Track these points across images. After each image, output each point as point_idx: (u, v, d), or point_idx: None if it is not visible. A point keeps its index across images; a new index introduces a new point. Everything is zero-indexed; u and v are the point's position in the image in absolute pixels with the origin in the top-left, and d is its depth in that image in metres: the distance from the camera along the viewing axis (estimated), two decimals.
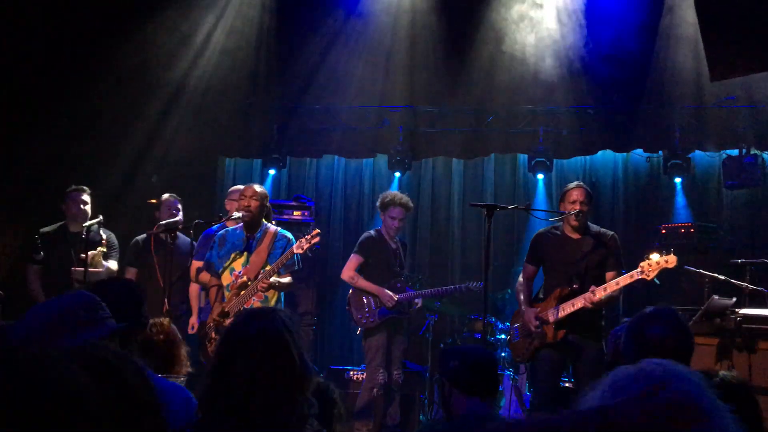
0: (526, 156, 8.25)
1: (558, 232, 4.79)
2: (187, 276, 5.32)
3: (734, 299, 4.14)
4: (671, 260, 4.23)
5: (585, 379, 4.39)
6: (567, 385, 5.59)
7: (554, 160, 8.10)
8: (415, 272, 8.01)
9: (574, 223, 4.69)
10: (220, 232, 5.03)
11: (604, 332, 4.56)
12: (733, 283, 4.98)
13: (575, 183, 4.86)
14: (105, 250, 5.55)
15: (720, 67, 4.69)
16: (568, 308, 4.56)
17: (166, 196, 5.81)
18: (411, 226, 8.74)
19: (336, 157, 8.74)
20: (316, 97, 8.18)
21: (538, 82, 7.71)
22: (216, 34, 7.89)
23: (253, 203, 4.81)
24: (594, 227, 4.78)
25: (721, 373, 2.71)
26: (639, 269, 4.29)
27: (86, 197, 5.75)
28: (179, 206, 5.71)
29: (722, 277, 5.06)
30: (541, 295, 4.89)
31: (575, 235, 4.72)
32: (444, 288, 5.85)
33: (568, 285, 4.62)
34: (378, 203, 5.65)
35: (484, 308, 4.43)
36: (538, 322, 4.63)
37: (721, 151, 7.78)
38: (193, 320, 5.36)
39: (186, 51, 7.77)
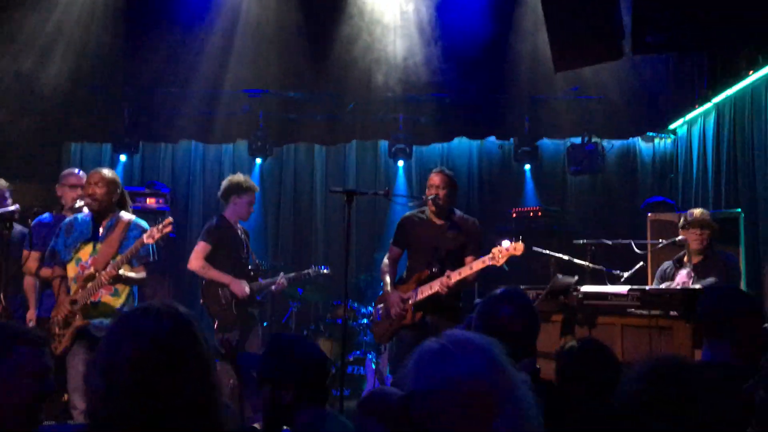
0: (386, 143, 8.38)
1: (423, 216, 4.89)
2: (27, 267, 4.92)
3: (576, 277, 4.41)
4: (519, 247, 4.44)
5: None
6: None
7: (413, 147, 8.29)
8: (278, 260, 7.95)
9: (431, 207, 4.82)
10: (67, 219, 4.68)
11: (463, 314, 4.72)
12: (575, 262, 5.32)
13: (436, 169, 4.99)
14: None
15: (563, 58, 4.98)
16: (426, 291, 4.69)
17: None
18: (274, 212, 8.63)
19: (193, 142, 8.45)
20: (172, 81, 7.83)
21: (397, 70, 7.83)
22: (63, 14, 7.32)
23: (99, 190, 4.50)
24: (458, 213, 4.92)
25: (571, 343, 2.89)
26: (490, 255, 4.48)
27: None
28: (7, 194, 5.21)
29: (566, 257, 5.39)
30: (405, 277, 5.00)
31: (438, 220, 4.84)
32: (291, 275, 5.69)
33: (428, 268, 4.74)
34: (229, 187, 5.30)
35: (344, 293, 4.44)
36: (402, 304, 4.72)
37: (566, 139, 8.30)
38: (31, 314, 4.96)
39: (32, 33, 7.16)
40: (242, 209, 5.26)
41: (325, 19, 7.79)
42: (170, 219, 4.53)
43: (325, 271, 5.87)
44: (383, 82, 7.91)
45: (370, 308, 7.09)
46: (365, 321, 6.93)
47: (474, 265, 4.54)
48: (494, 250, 4.47)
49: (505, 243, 4.44)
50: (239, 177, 5.37)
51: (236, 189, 5.26)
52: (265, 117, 8.04)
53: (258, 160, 8.33)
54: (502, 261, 4.45)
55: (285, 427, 2.44)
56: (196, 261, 5.14)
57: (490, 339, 1.40)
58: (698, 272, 5.02)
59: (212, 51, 7.77)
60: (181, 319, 1.57)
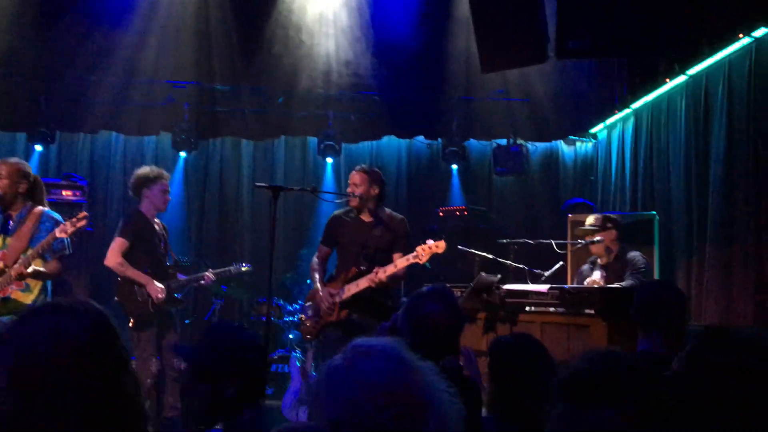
0: (315, 139, 8.32)
1: (352, 215, 4.88)
2: None
3: (499, 276, 4.49)
4: (441, 245, 4.50)
5: None
6: None
7: (342, 144, 8.26)
8: (202, 256, 7.76)
9: (353, 205, 4.82)
10: None
11: (390, 312, 4.73)
12: (499, 261, 5.43)
13: (357, 167, 4.98)
14: None
15: (490, 60, 5.07)
16: (352, 289, 4.69)
17: None
18: (198, 208, 8.43)
19: (114, 133, 8.16)
20: (91, 69, 7.53)
21: (328, 67, 7.79)
22: None
23: (3, 182, 4.28)
24: (387, 211, 4.91)
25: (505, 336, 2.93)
26: (414, 253, 4.52)
27: None
28: None
29: (490, 256, 5.48)
30: (334, 275, 4.99)
31: (367, 218, 4.83)
32: (217, 271, 5.56)
33: (355, 266, 4.74)
34: (137, 181, 5.08)
35: (268, 290, 4.39)
36: (331, 298, 4.71)
37: (492, 140, 8.45)
38: None
39: None
40: (157, 199, 5.04)
41: (256, 12, 7.67)
42: (85, 213, 4.35)
43: (245, 268, 5.74)
44: (313, 78, 7.85)
45: (295, 305, 7.03)
46: (290, 318, 6.86)
47: (399, 263, 4.56)
48: (418, 248, 4.51)
49: (429, 241, 4.49)
50: (145, 169, 5.16)
51: (144, 181, 5.04)
52: (191, 109, 7.83)
53: (182, 154, 8.11)
54: (425, 259, 4.48)
55: (217, 426, 2.34)
56: (113, 257, 4.90)
57: (393, 339, 1.38)
58: (608, 272, 5.23)
59: (134, 39, 7.53)
60: (99, 316, 1.50)
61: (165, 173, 5.15)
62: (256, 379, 2.31)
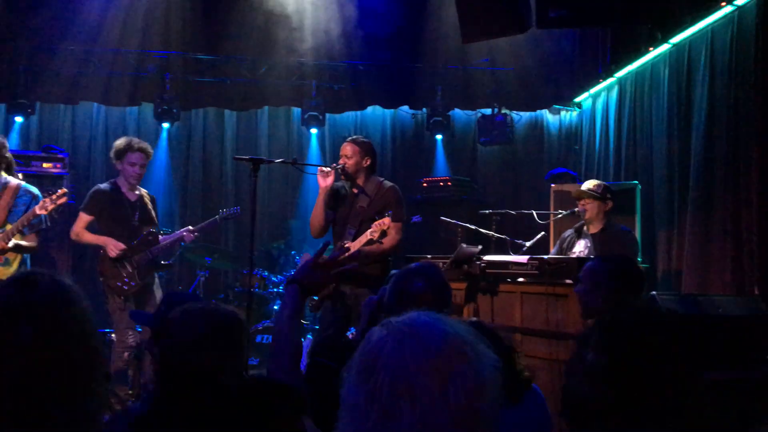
0: (299, 110, 8.26)
1: (347, 187, 4.87)
2: None
3: (480, 247, 4.50)
4: (386, 222, 4.53)
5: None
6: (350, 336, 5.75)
7: (327, 115, 8.21)
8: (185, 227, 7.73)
9: (342, 177, 4.80)
10: None
11: (380, 282, 4.74)
12: (481, 232, 5.45)
13: (349, 138, 4.97)
14: None
15: (471, 29, 5.02)
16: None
17: None
18: (181, 180, 8.39)
19: (95, 104, 8.06)
20: (72, 38, 7.41)
21: (311, 36, 7.70)
22: None
23: None
24: (378, 180, 4.87)
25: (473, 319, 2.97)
26: (372, 228, 4.54)
27: None
28: None
29: (473, 227, 5.50)
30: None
31: (354, 190, 4.83)
32: (199, 225, 5.59)
33: (342, 240, 4.75)
34: (112, 153, 5.15)
35: (250, 261, 4.40)
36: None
37: (476, 110, 8.42)
38: None
39: None
40: (126, 172, 5.08)
41: None
42: (65, 189, 4.37)
43: (234, 212, 5.78)
44: (297, 48, 7.77)
45: (280, 276, 7.04)
46: (276, 290, 6.88)
47: (362, 238, 4.57)
48: (373, 224, 4.53)
49: (379, 216, 4.53)
50: (119, 140, 5.19)
51: (116, 154, 5.10)
52: (172, 80, 7.74)
53: (165, 125, 8.04)
54: (376, 235, 4.50)
55: None
56: (72, 230, 5.06)
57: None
58: (595, 243, 5.22)
59: (116, 8, 7.40)
60: (53, 286, 1.48)
61: (139, 145, 5.10)
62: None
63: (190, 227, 5.47)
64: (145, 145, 5.18)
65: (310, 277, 2.23)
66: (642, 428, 1.45)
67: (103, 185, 5.18)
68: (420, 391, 1.15)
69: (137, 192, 5.16)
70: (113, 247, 4.88)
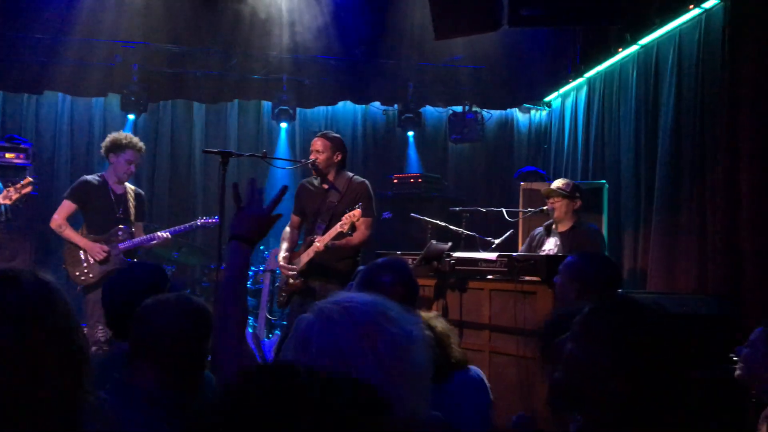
0: (269, 104, 8.18)
1: (316, 183, 4.87)
2: None
3: (450, 244, 4.51)
4: (356, 213, 4.54)
5: None
6: None
7: (297, 109, 8.15)
8: (153, 222, 7.61)
9: (313, 172, 4.81)
10: None
11: (348, 276, 4.74)
12: (451, 228, 5.46)
13: (319, 133, 4.99)
14: None
15: (443, 26, 5.02)
16: (304, 258, 4.71)
17: None
18: (148, 172, 8.25)
19: (60, 94, 7.90)
20: (37, 27, 7.24)
21: (283, 29, 7.63)
22: None
23: None
24: (348, 175, 4.87)
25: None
26: (341, 221, 4.54)
27: None
28: None
29: (443, 224, 5.51)
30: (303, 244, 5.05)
31: (324, 186, 4.82)
32: (174, 228, 5.50)
33: (311, 235, 4.75)
34: (108, 144, 5.10)
35: (218, 256, 4.35)
36: (289, 272, 4.78)
37: (448, 107, 8.44)
38: None
39: None
40: (120, 168, 5.06)
41: None
42: (29, 179, 4.30)
43: (214, 222, 5.67)
44: (268, 41, 7.69)
45: (249, 272, 6.97)
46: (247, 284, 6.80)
47: (332, 231, 4.56)
48: (343, 216, 4.54)
49: (350, 209, 4.53)
50: (119, 134, 5.17)
51: (114, 147, 5.07)
52: (140, 70, 7.61)
53: (131, 116, 7.90)
54: (346, 227, 4.50)
55: None
56: (56, 218, 4.95)
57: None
58: (564, 241, 5.26)
59: None
60: (37, 284, 1.43)
61: (137, 144, 5.09)
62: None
63: (168, 234, 5.35)
64: (142, 144, 5.21)
65: (250, 225, 1.93)
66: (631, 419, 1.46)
67: (90, 177, 5.17)
68: (353, 359, 1.24)
69: (123, 187, 5.15)
70: (98, 251, 4.85)
